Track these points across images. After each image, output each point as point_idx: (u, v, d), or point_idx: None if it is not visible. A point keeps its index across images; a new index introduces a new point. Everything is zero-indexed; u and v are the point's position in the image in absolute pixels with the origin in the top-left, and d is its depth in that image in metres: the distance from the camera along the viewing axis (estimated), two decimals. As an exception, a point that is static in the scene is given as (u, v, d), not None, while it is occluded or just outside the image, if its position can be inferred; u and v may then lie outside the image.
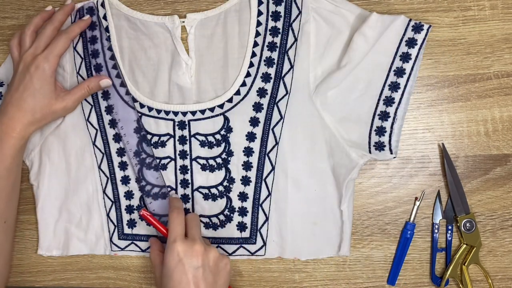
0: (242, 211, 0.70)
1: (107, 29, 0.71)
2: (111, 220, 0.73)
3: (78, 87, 0.69)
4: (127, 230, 0.73)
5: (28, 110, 0.66)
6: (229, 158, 0.70)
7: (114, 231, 0.73)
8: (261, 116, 0.68)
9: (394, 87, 0.64)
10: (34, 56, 0.66)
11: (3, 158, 0.66)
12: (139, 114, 0.71)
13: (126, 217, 0.73)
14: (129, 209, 0.73)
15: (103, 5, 0.71)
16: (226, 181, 0.70)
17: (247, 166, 0.69)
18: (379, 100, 0.65)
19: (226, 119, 0.69)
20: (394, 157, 0.66)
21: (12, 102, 0.66)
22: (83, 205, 0.73)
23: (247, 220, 0.70)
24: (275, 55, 0.68)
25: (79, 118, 0.72)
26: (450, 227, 0.68)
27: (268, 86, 0.68)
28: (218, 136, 0.69)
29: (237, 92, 0.68)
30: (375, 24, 0.64)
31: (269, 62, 0.68)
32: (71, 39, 0.69)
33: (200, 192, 0.71)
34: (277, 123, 0.68)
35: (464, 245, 0.68)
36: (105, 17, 0.71)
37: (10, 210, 0.70)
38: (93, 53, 0.71)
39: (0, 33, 0.76)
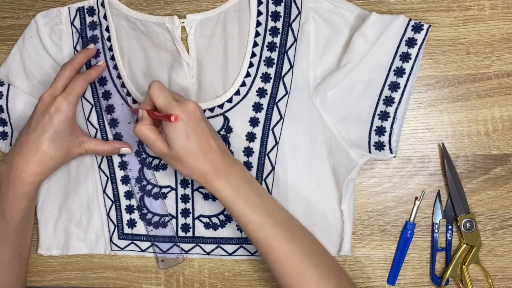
0: (242, 211, 0.70)
1: (107, 29, 0.71)
2: (111, 220, 0.73)
3: (98, 143, 0.68)
4: (127, 230, 0.73)
5: (46, 153, 0.64)
6: (229, 158, 0.70)
7: (114, 230, 0.73)
8: (261, 116, 0.68)
9: (394, 87, 0.64)
10: (53, 97, 0.64)
11: (18, 202, 0.64)
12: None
13: (126, 216, 0.73)
14: (129, 209, 0.73)
15: (103, 4, 0.71)
16: (226, 181, 0.70)
17: (247, 166, 0.69)
18: (379, 100, 0.65)
19: (226, 119, 0.69)
20: (394, 157, 0.66)
21: (29, 143, 0.64)
22: (83, 205, 0.74)
23: (247, 220, 0.70)
24: (274, 55, 0.68)
25: (79, 117, 0.72)
26: (450, 227, 0.68)
27: (268, 86, 0.68)
28: (218, 136, 0.69)
29: (237, 92, 0.68)
30: (374, 24, 0.64)
31: (268, 62, 0.68)
32: (89, 82, 0.68)
33: (200, 192, 0.71)
34: (277, 123, 0.68)
35: (464, 245, 0.68)
36: (105, 17, 0.71)
37: (24, 244, 0.71)
38: (93, 53, 0.72)
39: (0, 33, 0.76)
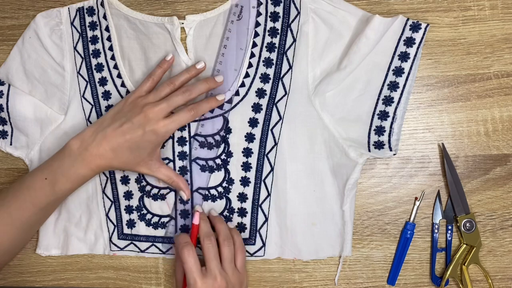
0: (242, 212, 0.70)
1: (107, 29, 0.71)
2: (111, 220, 0.73)
3: (167, 172, 0.67)
4: (126, 230, 0.73)
5: (119, 157, 0.64)
6: (228, 159, 0.69)
7: (113, 231, 0.73)
8: (260, 116, 0.68)
9: (393, 86, 0.64)
10: (149, 104, 0.64)
11: (74, 180, 0.65)
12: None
13: (125, 217, 0.73)
14: (129, 209, 0.73)
15: (103, 4, 0.71)
16: (225, 182, 0.70)
17: (246, 167, 0.69)
18: (378, 99, 0.65)
19: (225, 120, 0.69)
20: (394, 154, 0.66)
21: (110, 139, 0.63)
22: (83, 205, 0.74)
23: (247, 221, 0.70)
24: (273, 55, 0.68)
25: (79, 118, 0.72)
26: (450, 227, 0.68)
27: (267, 87, 0.68)
28: (217, 137, 0.69)
29: (236, 93, 0.68)
30: (377, 27, 0.64)
31: (268, 62, 0.68)
32: (196, 117, 0.67)
33: (200, 193, 0.71)
34: (276, 123, 0.68)
35: (464, 245, 0.68)
36: (105, 17, 0.71)
37: (35, 227, 0.71)
38: (94, 53, 0.72)
39: (0, 33, 0.76)
